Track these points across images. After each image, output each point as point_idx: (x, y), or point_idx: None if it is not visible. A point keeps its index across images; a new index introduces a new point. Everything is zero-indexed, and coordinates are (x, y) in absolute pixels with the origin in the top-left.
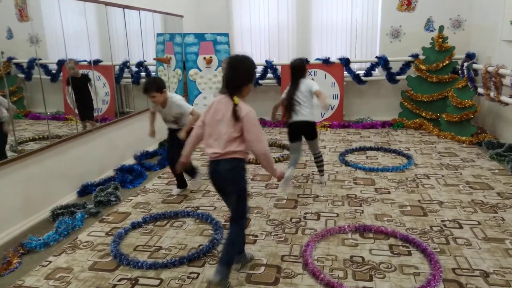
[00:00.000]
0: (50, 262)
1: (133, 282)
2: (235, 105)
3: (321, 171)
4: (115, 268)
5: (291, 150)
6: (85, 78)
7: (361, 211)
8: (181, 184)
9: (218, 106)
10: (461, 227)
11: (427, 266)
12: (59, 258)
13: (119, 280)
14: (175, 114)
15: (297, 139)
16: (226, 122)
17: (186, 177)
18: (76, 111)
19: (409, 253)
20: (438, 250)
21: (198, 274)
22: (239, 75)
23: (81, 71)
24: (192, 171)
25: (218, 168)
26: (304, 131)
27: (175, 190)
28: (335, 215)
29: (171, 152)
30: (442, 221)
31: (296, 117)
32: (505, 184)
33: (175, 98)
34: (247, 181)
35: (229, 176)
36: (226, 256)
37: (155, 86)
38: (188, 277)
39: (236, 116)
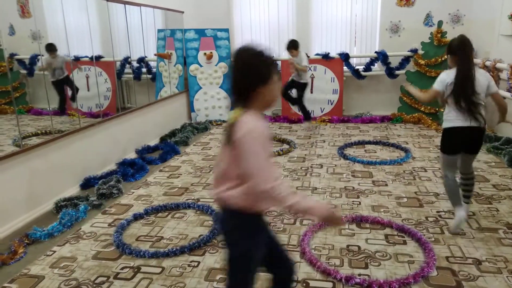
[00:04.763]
0: (55, 251)
1: (136, 270)
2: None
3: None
4: (118, 257)
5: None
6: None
7: (358, 203)
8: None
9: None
10: None
11: (421, 254)
12: (63, 248)
13: (122, 269)
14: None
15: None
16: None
17: None
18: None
19: (404, 242)
20: (433, 239)
21: (199, 262)
22: (241, 74)
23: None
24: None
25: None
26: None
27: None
28: (333, 206)
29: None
30: (438, 212)
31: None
32: (500, 177)
33: None
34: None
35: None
36: None
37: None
38: (188, 265)
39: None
